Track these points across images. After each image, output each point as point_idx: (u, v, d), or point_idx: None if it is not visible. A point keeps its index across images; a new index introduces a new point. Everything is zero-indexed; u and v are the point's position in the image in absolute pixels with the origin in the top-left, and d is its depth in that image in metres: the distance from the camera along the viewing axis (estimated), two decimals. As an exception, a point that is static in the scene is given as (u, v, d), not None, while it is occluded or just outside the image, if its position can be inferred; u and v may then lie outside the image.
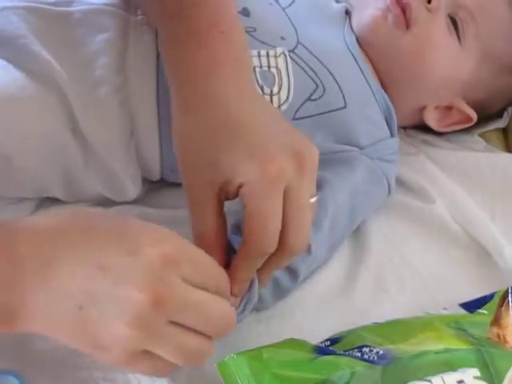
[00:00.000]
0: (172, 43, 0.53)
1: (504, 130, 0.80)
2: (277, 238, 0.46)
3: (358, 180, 0.64)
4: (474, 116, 0.73)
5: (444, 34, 0.69)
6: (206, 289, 0.42)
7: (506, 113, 0.79)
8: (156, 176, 0.64)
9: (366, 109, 0.67)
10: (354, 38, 0.70)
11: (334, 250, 0.63)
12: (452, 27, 0.69)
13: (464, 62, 0.70)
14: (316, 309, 0.60)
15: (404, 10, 0.68)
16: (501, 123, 0.79)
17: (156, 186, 0.67)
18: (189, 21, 0.53)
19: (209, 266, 0.44)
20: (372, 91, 0.68)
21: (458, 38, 0.70)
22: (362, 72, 0.68)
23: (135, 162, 0.61)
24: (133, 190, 0.63)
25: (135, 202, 0.65)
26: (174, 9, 0.54)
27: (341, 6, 0.74)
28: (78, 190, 0.62)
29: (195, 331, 0.41)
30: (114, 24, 0.61)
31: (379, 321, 0.56)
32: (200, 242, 0.48)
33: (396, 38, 0.68)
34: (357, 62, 0.68)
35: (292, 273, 0.58)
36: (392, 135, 0.69)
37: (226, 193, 0.48)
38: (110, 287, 0.39)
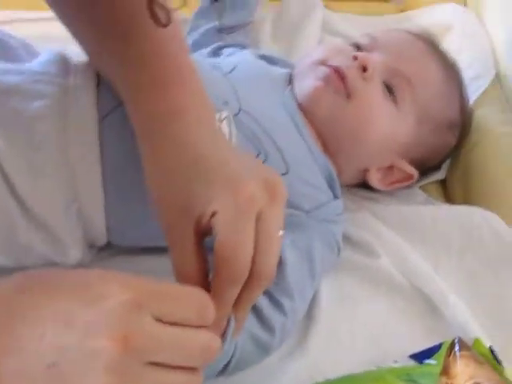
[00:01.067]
0: (136, 93, 0.55)
1: (443, 182, 0.84)
2: (249, 266, 0.47)
3: (308, 242, 0.65)
4: (415, 174, 0.77)
5: (381, 100, 0.72)
6: (187, 322, 0.42)
7: (444, 165, 0.83)
8: (102, 240, 0.63)
9: (307, 174, 0.69)
10: (295, 105, 0.72)
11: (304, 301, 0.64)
12: (388, 93, 0.73)
13: (402, 125, 0.74)
14: (273, 365, 0.61)
15: (342, 80, 0.71)
16: (439, 175, 0.83)
17: (105, 254, 0.66)
18: (152, 70, 0.55)
19: (184, 300, 0.43)
20: (314, 157, 0.70)
21: (395, 102, 0.73)
22: (304, 138, 0.70)
23: (78, 224, 0.61)
24: (77, 253, 0.63)
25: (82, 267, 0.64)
26: (135, 59, 0.56)
27: (284, 72, 0.77)
28: (22, 254, 0.61)
29: (179, 367, 0.41)
30: (52, 90, 0.61)
31: (333, 376, 0.57)
32: (183, 280, 0.49)
33: (337, 106, 0.71)
34: (298, 129, 0.70)
35: (265, 325, 0.59)
36: (335, 197, 0.71)
37: (203, 227, 0.49)
38: (80, 341, 0.38)
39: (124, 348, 0.38)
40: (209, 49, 0.82)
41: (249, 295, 0.49)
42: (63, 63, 0.65)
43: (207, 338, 0.43)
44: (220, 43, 0.83)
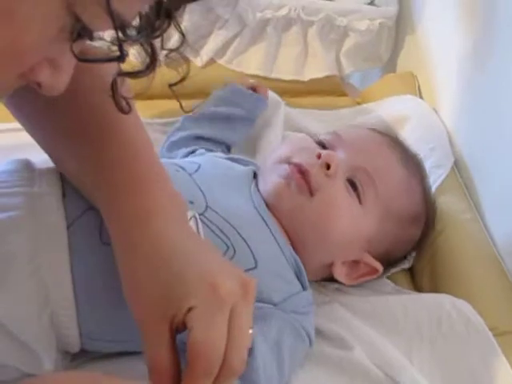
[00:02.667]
0: (111, 195, 0.58)
1: (410, 270, 0.87)
2: (221, 360, 0.50)
3: (277, 334, 0.66)
4: (380, 268, 0.78)
5: (344, 196, 0.75)
6: None
7: (409, 256, 0.86)
8: (75, 347, 0.63)
9: (276, 267, 0.71)
10: (261, 200, 0.75)
11: None
12: (351, 189, 0.76)
13: (366, 220, 0.76)
14: None
15: (305, 177, 0.75)
16: (406, 264, 0.86)
17: (80, 361, 0.66)
18: (127, 171, 0.59)
19: None
20: (281, 250, 0.72)
21: (358, 198, 0.76)
22: (271, 232, 0.73)
23: (51, 333, 0.61)
24: (49, 364, 0.62)
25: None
26: (108, 162, 0.59)
27: (248, 169, 0.80)
28: None
29: None
30: (18, 201, 0.63)
31: None
32: (157, 374, 0.52)
33: (300, 203, 0.74)
34: (266, 223, 0.73)
35: None
36: (304, 288, 0.73)
37: (177, 323, 0.52)
38: None
39: None
40: (184, 151, 0.86)
41: None
42: (27, 171, 0.67)
43: None
44: (194, 147, 0.87)
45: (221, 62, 1.06)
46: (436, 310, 0.76)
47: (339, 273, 0.78)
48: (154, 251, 0.55)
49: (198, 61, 1.04)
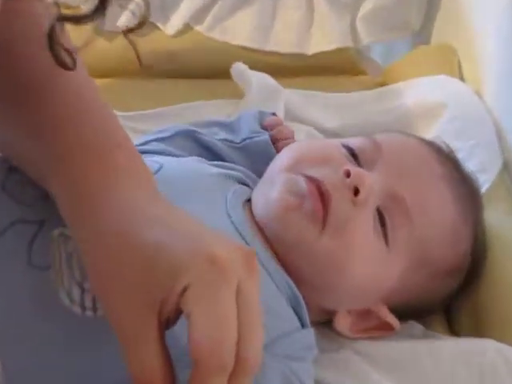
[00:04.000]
0: (63, 163, 0.61)
1: (445, 309, 0.88)
2: (235, 348, 0.49)
3: None
4: (396, 325, 0.79)
5: (369, 234, 0.75)
6: None
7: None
8: None
9: (262, 297, 0.67)
10: (242, 215, 0.76)
11: None
12: (379, 224, 0.76)
13: (390, 268, 0.77)
14: None
15: (324, 201, 0.74)
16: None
17: None
18: (81, 133, 0.62)
19: None
20: (270, 275, 0.72)
21: (385, 237, 0.76)
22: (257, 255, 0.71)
23: None
24: None
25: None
26: (53, 124, 0.62)
27: (227, 173, 0.81)
28: None
29: None
30: None
31: None
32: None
33: (310, 237, 0.74)
34: (246, 243, 0.72)
35: None
36: (303, 325, 0.73)
37: (168, 313, 0.51)
38: None
39: None
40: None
41: None
42: None
43: None
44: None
45: (199, 29, 1.09)
46: (477, 360, 0.78)
47: (342, 323, 0.79)
48: (124, 220, 0.56)
49: (169, 28, 1.08)
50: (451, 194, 0.81)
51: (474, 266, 0.85)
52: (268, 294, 0.69)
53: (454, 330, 0.87)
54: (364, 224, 0.76)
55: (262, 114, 0.93)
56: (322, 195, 0.75)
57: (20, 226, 0.65)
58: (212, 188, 0.78)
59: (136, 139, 0.87)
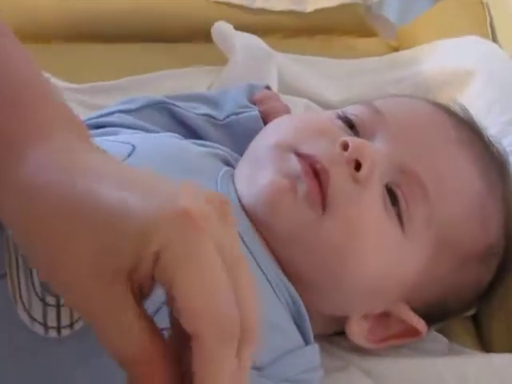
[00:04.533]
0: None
1: (475, 317, 0.89)
2: (236, 317, 0.49)
3: None
4: (423, 329, 0.78)
5: (379, 216, 0.74)
6: None
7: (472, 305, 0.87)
8: None
9: (262, 310, 0.69)
10: (236, 203, 0.75)
11: None
12: (390, 204, 0.74)
13: (409, 256, 0.76)
14: None
15: (321, 180, 0.73)
16: (469, 311, 0.87)
17: None
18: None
19: None
20: (269, 283, 0.72)
21: (400, 219, 0.75)
22: (252, 255, 0.72)
23: None
24: None
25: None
26: None
27: (214, 152, 0.81)
28: None
29: None
30: None
31: None
32: (140, 367, 0.50)
33: (308, 223, 0.73)
34: (244, 243, 0.71)
35: None
36: (307, 342, 0.72)
37: (139, 284, 0.50)
38: None
39: None
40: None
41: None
42: None
43: None
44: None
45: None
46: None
47: (356, 331, 0.77)
48: (66, 184, 0.53)
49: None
50: (472, 162, 0.80)
51: (508, 251, 0.83)
52: (267, 306, 0.68)
53: (485, 345, 0.87)
54: (371, 204, 0.74)
55: (252, 88, 0.93)
56: (318, 174, 0.73)
57: None
58: (198, 172, 0.77)
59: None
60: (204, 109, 0.90)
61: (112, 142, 0.78)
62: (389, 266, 0.75)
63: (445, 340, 0.84)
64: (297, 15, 1.09)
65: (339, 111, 0.81)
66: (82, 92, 1.02)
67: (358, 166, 0.73)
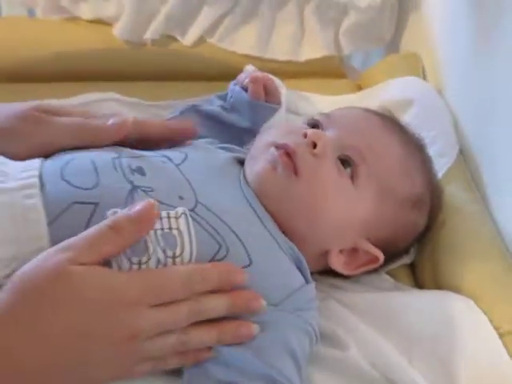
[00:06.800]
0: None
1: (411, 265, 0.87)
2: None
3: (285, 339, 0.66)
4: (381, 255, 0.78)
5: (334, 176, 0.75)
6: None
7: (412, 249, 0.86)
8: None
9: (273, 263, 0.70)
10: (251, 191, 0.75)
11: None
12: (343, 169, 0.76)
13: (359, 201, 0.76)
14: None
15: (291, 158, 0.75)
16: (407, 259, 0.86)
17: None
18: None
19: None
20: (277, 243, 0.72)
21: (351, 178, 0.76)
22: (265, 225, 0.72)
23: None
24: None
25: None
26: None
27: (233, 155, 0.80)
28: None
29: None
30: None
31: None
32: None
33: (288, 186, 0.74)
34: (258, 216, 0.72)
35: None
36: (307, 281, 0.72)
37: None
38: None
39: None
40: None
41: None
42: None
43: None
44: None
45: (211, 40, 1.07)
46: (439, 309, 0.77)
47: (336, 262, 0.77)
48: None
49: (186, 40, 1.06)
50: (394, 138, 0.82)
51: (434, 203, 0.84)
52: (277, 258, 0.71)
53: (418, 284, 0.87)
54: (328, 169, 0.76)
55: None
56: (289, 154, 0.75)
57: (78, 206, 0.65)
58: (228, 171, 0.78)
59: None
60: (218, 102, 0.92)
61: (172, 152, 0.77)
62: (347, 209, 0.76)
63: (392, 280, 0.84)
64: (294, 63, 1.09)
65: (306, 118, 0.84)
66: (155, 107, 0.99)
67: (315, 146, 0.76)
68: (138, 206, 0.62)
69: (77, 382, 0.59)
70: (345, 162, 0.77)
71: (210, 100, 0.93)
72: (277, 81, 0.97)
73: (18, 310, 0.56)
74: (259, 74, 0.92)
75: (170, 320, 0.61)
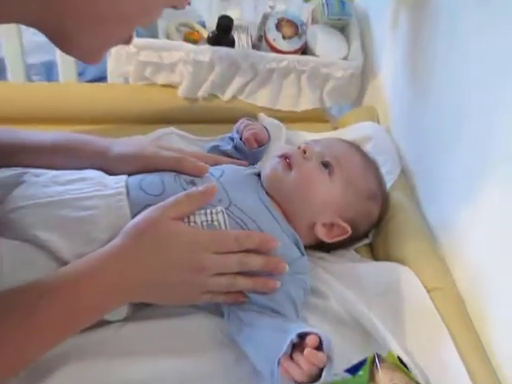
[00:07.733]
0: None
1: (370, 245, 0.86)
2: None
3: (287, 290, 0.66)
4: (349, 229, 0.75)
5: (317, 172, 0.74)
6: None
7: (370, 234, 0.84)
8: None
9: (280, 241, 0.67)
10: (264, 193, 0.73)
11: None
12: (323, 168, 0.75)
13: (334, 190, 0.74)
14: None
15: (287, 159, 0.74)
16: (367, 240, 0.85)
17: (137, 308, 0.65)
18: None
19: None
20: (282, 229, 0.71)
21: (329, 174, 0.75)
22: (274, 216, 0.71)
23: None
24: (127, 309, 0.63)
25: (126, 320, 0.64)
26: None
27: (251, 171, 0.77)
28: None
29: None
30: (94, 202, 0.64)
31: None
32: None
33: (286, 179, 0.73)
34: (270, 212, 0.71)
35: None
36: (302, 254, 0.71)
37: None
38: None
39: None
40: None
41: None
42: (99, 178, 0.68)
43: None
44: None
45: (240, 97, 1.06)
46: (388, 273, 0.77)
47: (320, 232, 0.74)
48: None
49: (225, 97, 1.05)
50: (357, 154, 0.81)
51: (383, 199, 0.82)
52: (283, 240, 0.68)
53: (375, 257, 0.85)
54: (313, 168, 0.75)
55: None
56: (287, 157, 0.75)
57: (148, 207, 0.63)
58: (250, 183, 0.75)
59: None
60: (229, 143, 0.84)
61: (214, 169, 0.74)
62: (325, 193, 0.74)
63: (358, 255, 0.83)
64: (294, 112, 1.07)
65: (298, 144, 0.80)
66: (201, 141, 0.93)
67: (305, 153, 0.75)
68: (204, 185, 0.64)
69: (163, 297, 0.60)
70: (325, 165, 0.75)
71: (224, 138, 0.86)
72: (279, 124, 0.96)
73: (127, 247, 0.57)
74: (250, 131, 0.84)
75: (225, 264, 0.61)
